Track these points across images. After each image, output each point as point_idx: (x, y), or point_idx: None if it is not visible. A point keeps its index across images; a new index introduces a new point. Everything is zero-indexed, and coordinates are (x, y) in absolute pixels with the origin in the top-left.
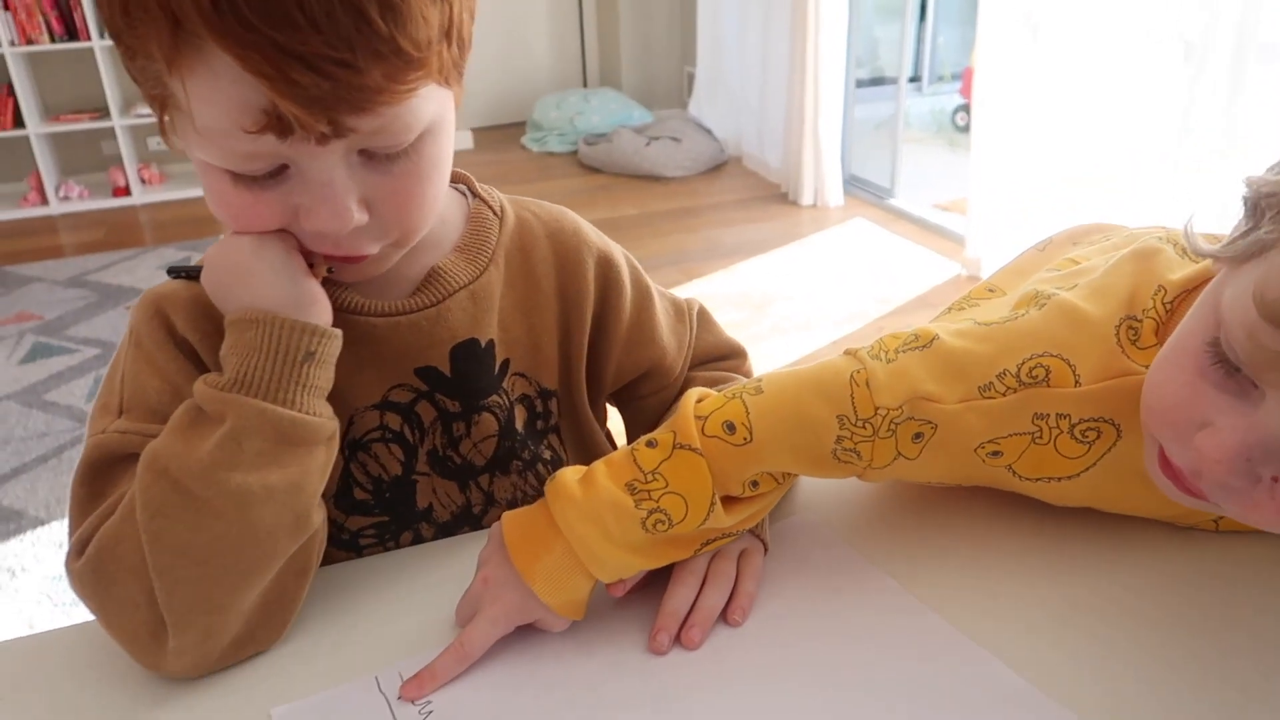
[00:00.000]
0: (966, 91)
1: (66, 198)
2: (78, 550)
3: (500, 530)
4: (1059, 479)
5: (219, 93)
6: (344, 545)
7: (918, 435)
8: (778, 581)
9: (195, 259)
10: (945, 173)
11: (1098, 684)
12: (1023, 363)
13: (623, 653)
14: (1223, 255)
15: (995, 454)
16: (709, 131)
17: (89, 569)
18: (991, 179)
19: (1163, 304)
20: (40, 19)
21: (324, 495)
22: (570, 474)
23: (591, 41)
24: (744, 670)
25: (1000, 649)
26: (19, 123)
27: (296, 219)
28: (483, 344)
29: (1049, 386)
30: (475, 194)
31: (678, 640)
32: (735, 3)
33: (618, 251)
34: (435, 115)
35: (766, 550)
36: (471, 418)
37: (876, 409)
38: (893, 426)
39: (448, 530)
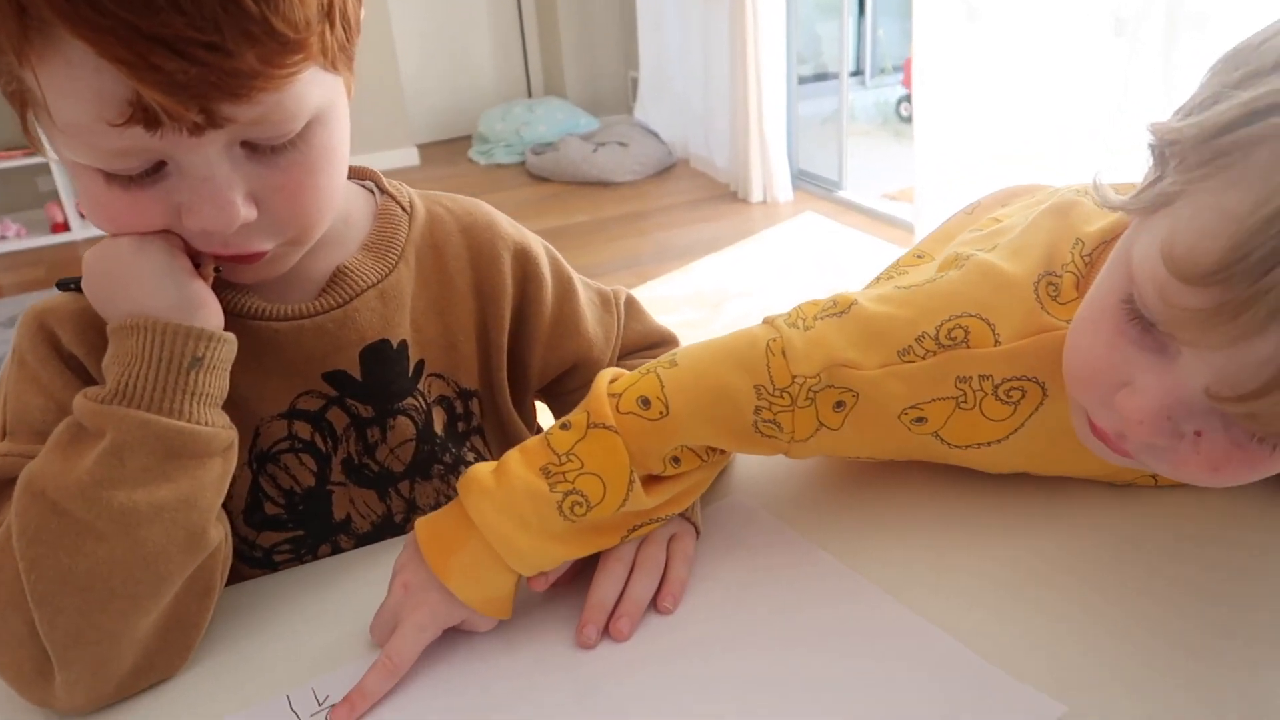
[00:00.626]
0: (908, 82)
1: (3, 237)
2: None
3: (412, 535)
4: (988, 444)
5: (77, 84)
6: (257, 564)
7: (839, 404)
8: (711, 565)
9: None
10: (892, 163)
11: (1041, 649)
12: (941, 324)
13: (550, 648)
14: (1131, 208)
15: (920, 420)
16: (656, 135)
17: None
18: (937, 166)
19: (1081, 257)
20: None
21: (232, 511)
22: (483, 467)
23: (534, 51)
24: (677, 659)
25: (944, 620)
26: None
27: (179, 219)
28: (394, 345)
29: (969, 347)
30: (383, 190)
31: (606, 632)
32: (675, 6)
33: (536, 243)
34: (322, 102)
35: (698, 534)
36: (386, 422)
37: (794, 378)
38: (811, 395)
39: (368, 541)
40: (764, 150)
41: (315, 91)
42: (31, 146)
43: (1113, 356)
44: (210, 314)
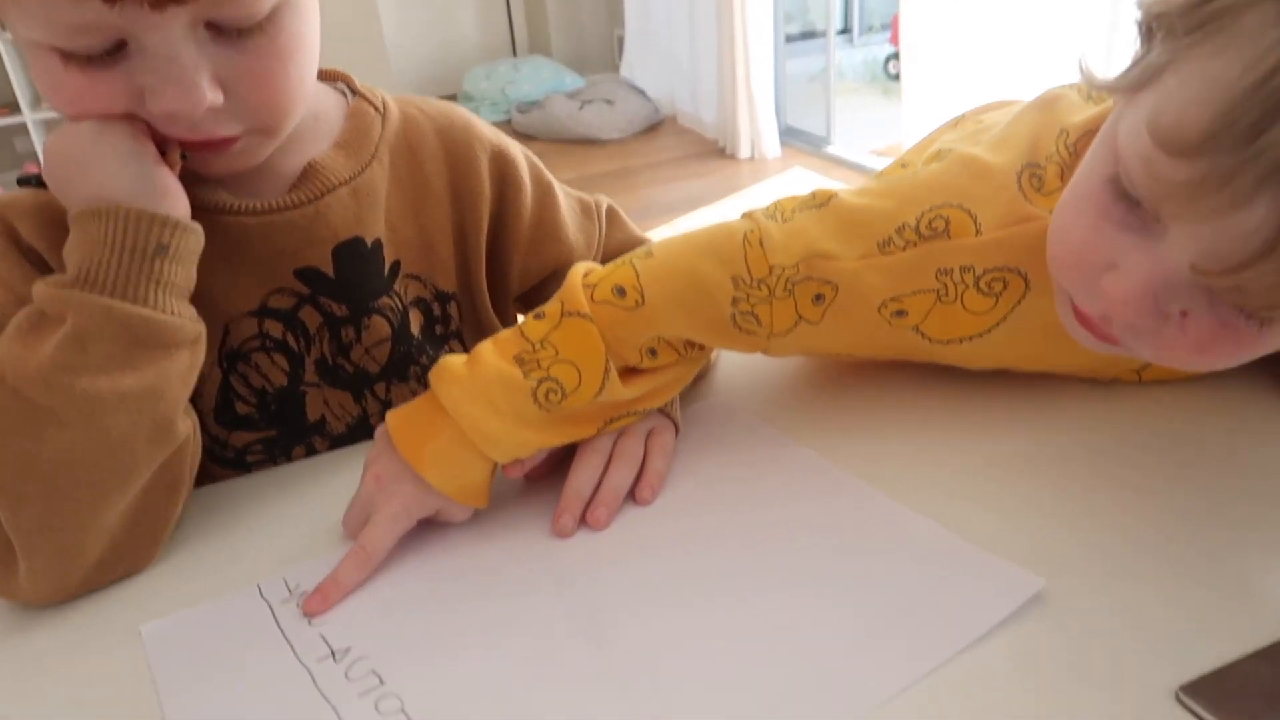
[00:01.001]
0: (896, 40)
1: None
2: None
3: (385, 427)
4: (970, 338)
5: None
6: (230, 464)
7: (818, 297)
8: (690, 460)
9: None
10: (880, 120)
11: (1021, 534)
12: (922, 215)
13: (526, 538)
14: (1118, 85)
15: (900, 314)
16: (642, 92)
17: None
18: (925, 121)
19: (1066, 147)
20: None
21: (202, 410)
22: (455, 358)
23: (518, 9)
24: (655, 549)
25: (924, 510)
26: None
27: (142, 103)
28: (368, 243)
29: (949, 238)
30: (355, 91)
31: (583, 522)
32: None
33: (514, 147)
34: None
35: (678, 431)
36: (361, 321)
37: (771, 268)
38: (790, 287)
39: (344, 444)
40: (751, 106)
41: None
42: None
43: (1097, 238)
44: (176, 202)
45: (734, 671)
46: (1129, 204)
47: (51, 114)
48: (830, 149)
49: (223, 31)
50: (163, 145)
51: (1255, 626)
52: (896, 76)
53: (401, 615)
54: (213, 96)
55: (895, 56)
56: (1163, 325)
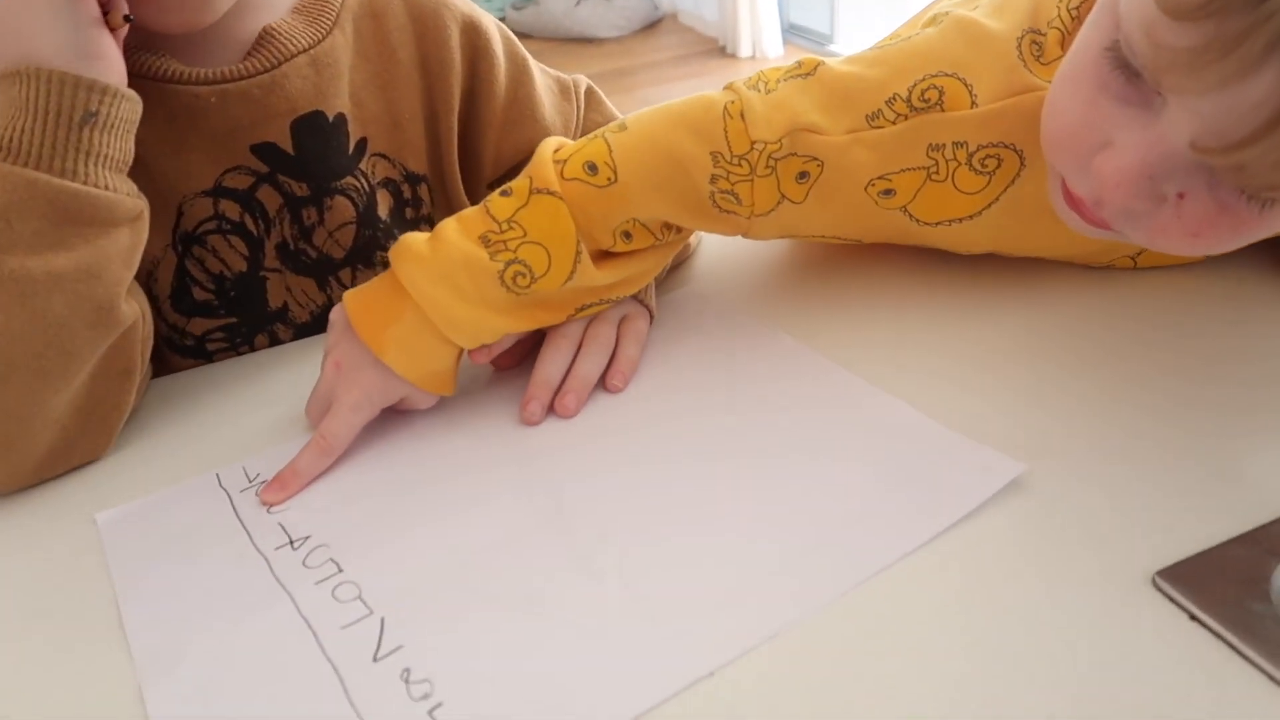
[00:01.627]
0: None
1: None
2: None
3: (342, 310)
4: (960, 220)
5: None
6: (189, 352)
7: (803, 175)
8: (664, 347)
9: None
10: (888, 14)
11: (1005, 419)
12: (915, 85)
13: (493, 425)
14: None
15: (888, 193)
16: None
17: None
18: None
19: (1069, 11)
20: None
21: (158, 296)
22: (417, 236)
23: None
24: (625, 435)
25: (905, 395)
26: None
27: None
28: (330, 118)
29: (943, 110)
30: None
31: (551, 410)
32: None
33: (487, 19)
34: None
35: (653, 318)
36: (324, 202)
37: (753, 143)
38: (772, 163)
39: (309, 332)
40: (753, 3)
41: None
42: None
43: (1093, 114)
44: (109, 66)
45: (703, 551)
46: (1128, 75)
47: None
48: (834, 47)
49: None
50: (106, 5)
51: (1235, 512)
52: None
53: (362, 503)
54: None
55: None
56: (1158, 208)
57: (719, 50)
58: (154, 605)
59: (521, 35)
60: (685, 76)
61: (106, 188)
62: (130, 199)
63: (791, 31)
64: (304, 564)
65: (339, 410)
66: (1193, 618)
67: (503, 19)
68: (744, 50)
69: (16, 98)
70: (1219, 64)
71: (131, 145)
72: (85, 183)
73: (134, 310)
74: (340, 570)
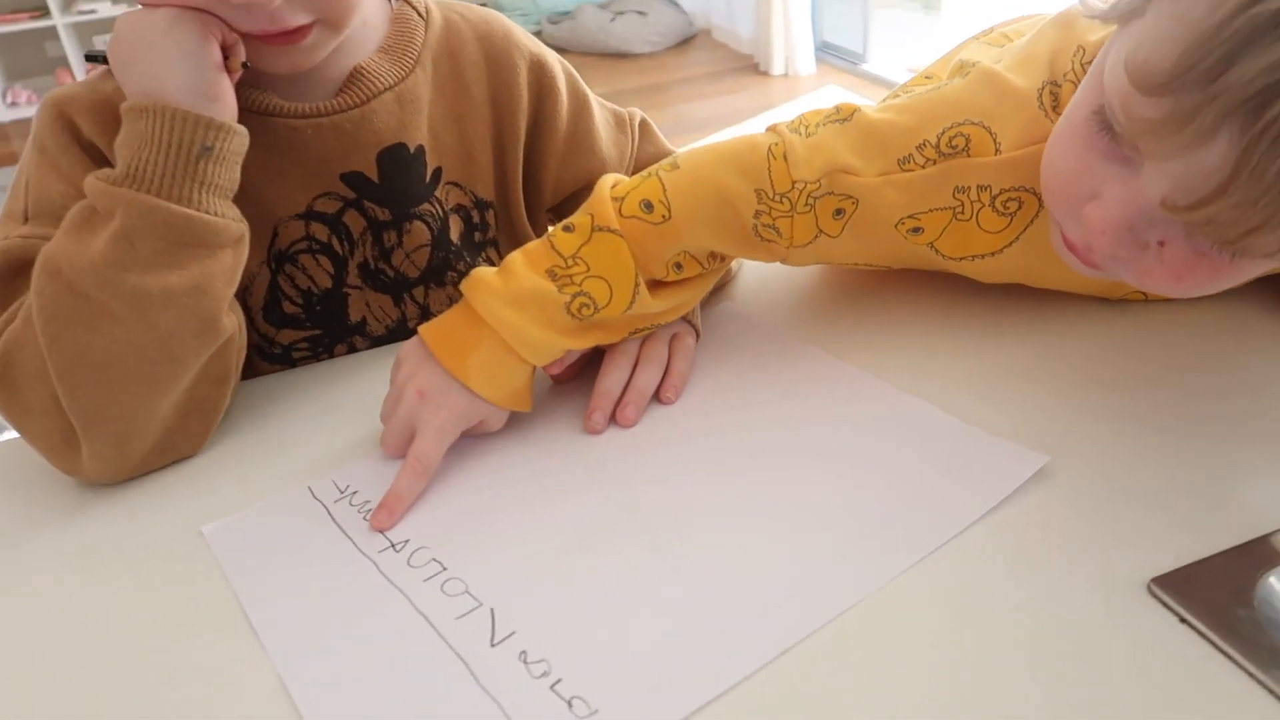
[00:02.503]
0: None
1: (15, 104)
2: None
3: (418, 344)
4: (983, 256)
5: None
6: (276, 359)
7: (839, 211)
8: (709, 363)
9: None
10: (920, 36)
11: (1024, 426)
12: (943, 132)
13: (561, 436)
14: (1109, 16)
15: (916, 230)
16: (676, 4)
17: None
18: (964, 37)
19: (1081, 65)
20: None
21: (251, 308)
22: (486, 270)
23: None
24: (679, 441)
25: (930, 400)
26: None
27: None
28: (411, 149)
29: (969, 156)
30: None
31: (613, 419)
32: None
33: (553, 58)
34: None
35: (699, 336)
36: (403, 226)
37: (794, 183)
38: (811, 201)
39: (382, 344)
40: (787, 21)
41: None
42: None
43: (1082, 169)
44: (224, 106)
45: (765, 545)
46: (1112, 136)
47: (80, 18)
48: (866, 66)
49: None
50: (228, 51)
51: (1226, 529)
52: None
53: (452, 508)
54: None
55: None
56: (1141, 254)
57: (752, 67)
58: (277, 604)
59: (556, 49)
60: (719, 93)
61: (216, 214)
62: (235, 224)
63: (824, 50)
64: (409, 564)
65: (427, 434)
66: (1182, 620)
67: (538, 33)
68: (777, 68)
69: (143, 131)
70: (1179, 134)
71: (238, 174)
72: (199, 209)
73: (233, 323)
74: (444, 569)
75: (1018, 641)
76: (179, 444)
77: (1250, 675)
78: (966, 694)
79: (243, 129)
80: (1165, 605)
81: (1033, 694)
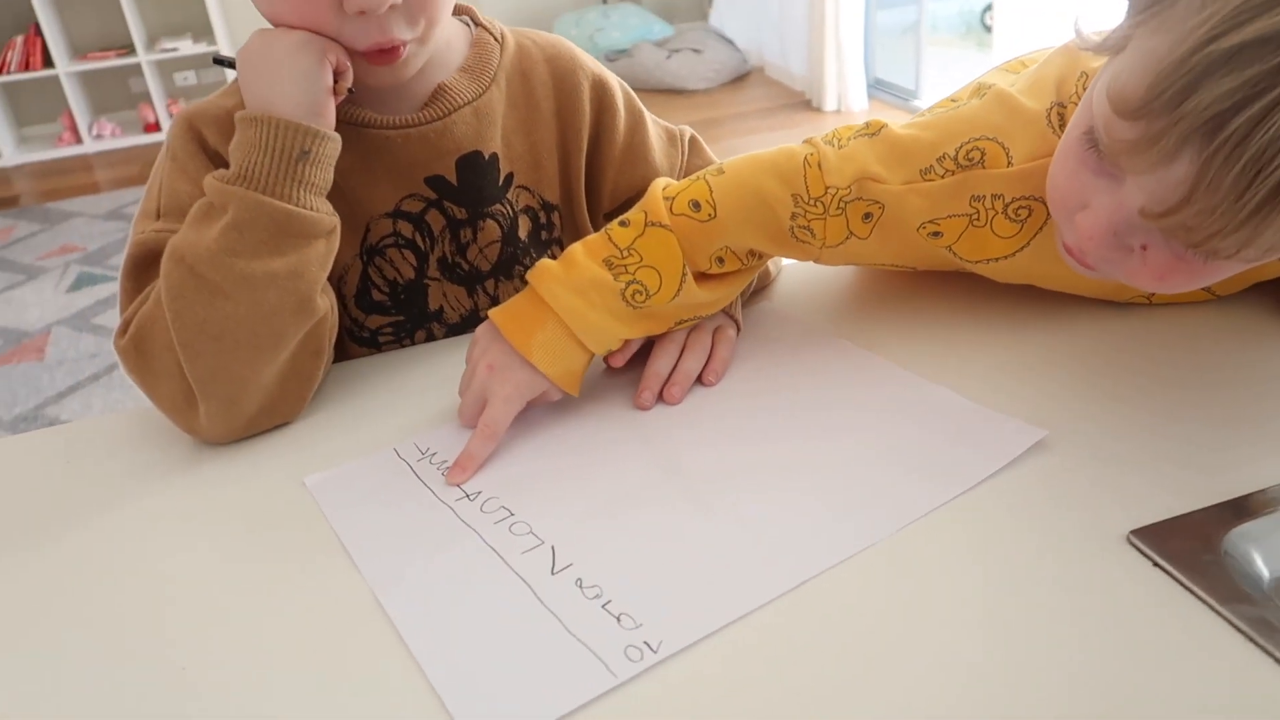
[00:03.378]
0: None
1: (100, 136)
2: (122, 330)
3: (489, 326)
4: (997, 259)
5: None
6: (364, 342)
7: (867, 215)
8: (750, 352)
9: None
10: (971, 72)
11: (1031, 407)
12: (961, 146)
13: (612, 409)
14: (1100, 48)
15: (936, 234)
16: (731, 42)
17: (131, 345)
18: None
19: (1083, 88)
20: None
21: (345, 296)
22: (549, 261)
23: None
24: (718, 418)
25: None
26: (48, 63)
27: (341, 9)
28: (486, 156)
29: (984, 168)
30: (478, 23)
31: (660, 398)
32: None
33: (612, 79)
34: None
35: (739, 329)
36: (477, 224)
37: (827, 188)
38: (842, 205)
39: (457, 331)
40: (840, 58)
41: None
42: None
43: (1074, 183)
44: (325, 120)
45: (784, 494)
46: (1099, 153)
47: (162, 55)
48: (917, 102)
49: None
50: (339, 75)
51: (1204, 493)
52: (993, 28)
53: (520, 467)
54: None
55: (991, 8)
56: (1127, 257)
57: (805, 103)
58: (370, 540)
59: None
60: (771, 128)
61: (311, 209)
62: (327, 217)
63: (877, 87)
64: (481, 510)
65: (495, 402)
66: (1155, 564)
67: None
68: (829, 104)
69: (253, 137)
70: (1149, 152)
71: (331, 175)
72: (297, 205)
73: (325, 304)
74: (512, 514)
75: (1015, 581)
76: (280, 408)
77: (1212, 609)
78: (972, 621)
79: (336, 136)
80: (1141, 552)
81: (1025, 624)
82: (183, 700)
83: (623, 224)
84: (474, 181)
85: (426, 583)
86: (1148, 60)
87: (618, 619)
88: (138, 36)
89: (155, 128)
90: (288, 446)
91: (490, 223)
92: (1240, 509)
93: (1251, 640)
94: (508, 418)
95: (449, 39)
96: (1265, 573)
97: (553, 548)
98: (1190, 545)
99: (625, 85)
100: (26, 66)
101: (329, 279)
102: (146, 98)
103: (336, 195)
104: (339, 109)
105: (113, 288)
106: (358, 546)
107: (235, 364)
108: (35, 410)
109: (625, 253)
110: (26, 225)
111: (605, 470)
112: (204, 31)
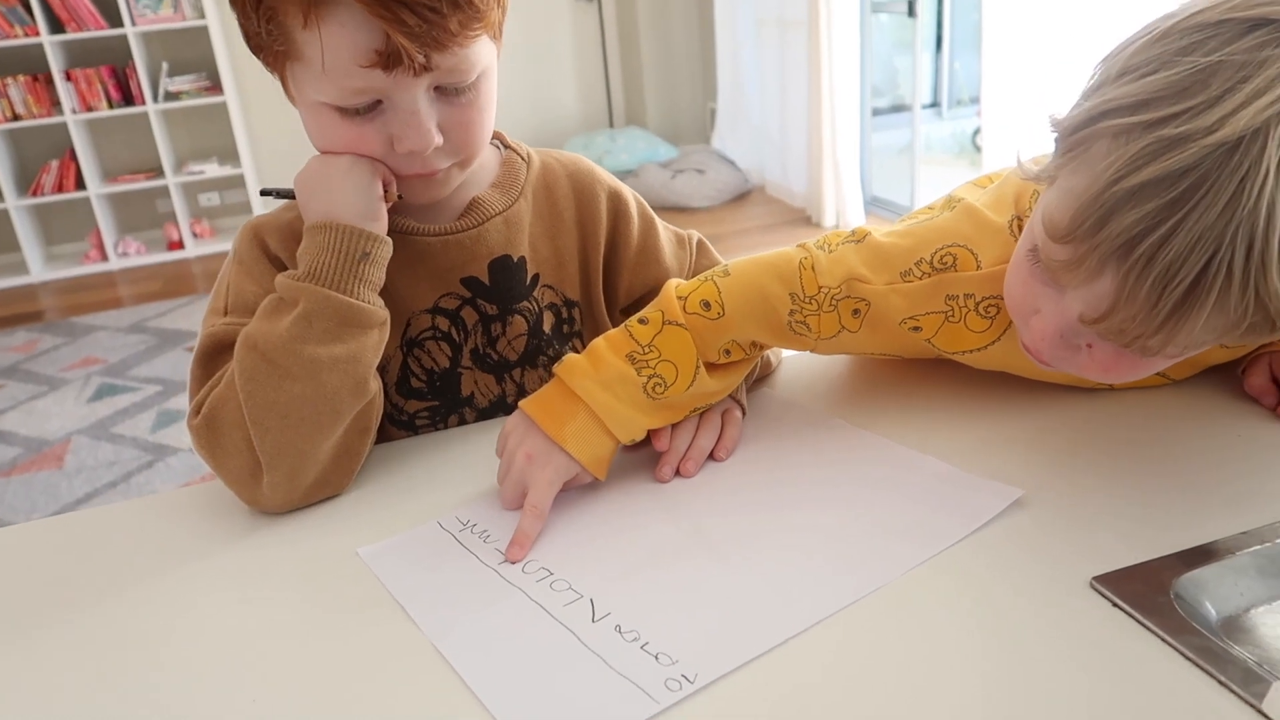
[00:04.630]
0: None
1: (125, 254)
2: (195, 412)
3: (522, 417)
4: (971, 351)
5: (345, 37)
6: (403, 425)
7: (856, 311)
8: (755, 431)
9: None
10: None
11: (1003, 477)
12: (935, 252)
13: (635, 484)
14: (1037, 178)
15: (916, 329)
16: (732, 163)
17: (203, 424)
18: None
19: (1034, 203)
20: (99, 87)
21: (387, 383)
22: (576, 356)
23: (616, 83)
24: (731, 489)
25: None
26: (80, 185)
27: (390, 147)
28: (515, 259)
29: (956, 271)
30: (507, 145)
31: (677, 472)
32: (752, 39)
33: (627, 190)
34: (488, 62)
35: (744, 412)
36: (507, 319)
37: (820, 288)
38: (834, 302)
39: (486, 415)
40: (838, 176)
41: (485, 52)
42: (288, 96)
43: (1025, 291)
44: (380, 225)
45: (789, 551)
46: (1044, 268)
47: (188, 178)
48: None
49: (444, 93)
50: (386, 186)
51: (1151, 545)
52: (982, 149)
53: (556, 535)
54: (438, 139)
55: (981, 130)
56: (1075, 354)
57: (805, 219)
58: (425, 599)
59: None
60: (773, 243)
61: (370, 303)
62: (381, 310)
63: (874, 203)
64: (523, 571)
65: (539, 486)
66: (1114, 605)
67: None
68: (828, 220)
69: (321, 241)
70: (1078, 271)
71: (384, 274)
72: (358, 299)
73: (376, 386)
74: (551, 574)
75: (996, 619)
76: (332, 480)
77: (1165, 641)
78: (957, 654)
79: (389, 239)
80: (1103, 595)
81: (1005, 656)
82: None
83: (642, 321)
84: (504, 281)
85: (480, 632)
86: (1070, 196)
87: (655, 657)
88: (167, 160)
89: (179, 245)
90: (338, 520)
91: (518, 318)
92: (1189, 559)
93: (1199, 667)
94: (549, 498)
95: (482, 161)
96: (1213, 613)
97: (591, 600)
98: (1145, 589)
99: (638, 195)
100: (60, 189)
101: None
102: (172, 217)
103: (383, 293)
104: (391, 221)
105: (132, 398)
106: (414, 604)
107: (299, 439)
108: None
109: (646, 349)
110: (51, 339)
111: (633, 534)
112: (229, 155)
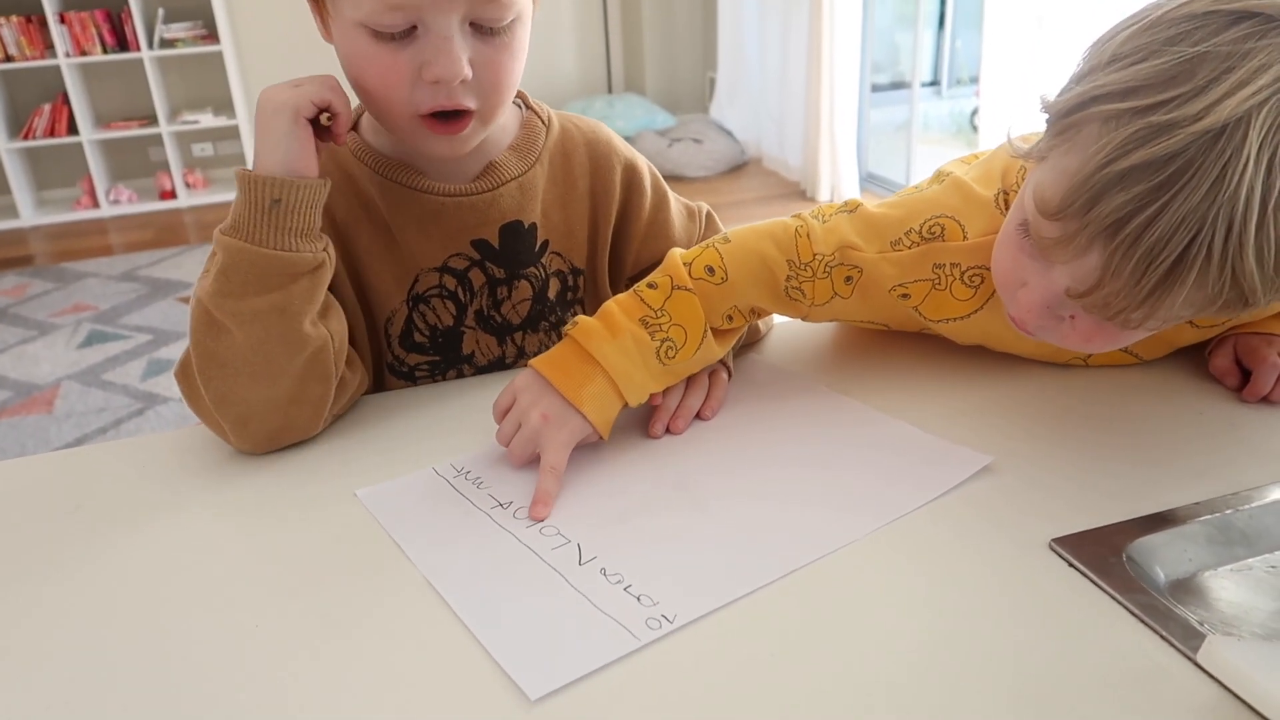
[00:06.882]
0: None
1: (116, 201)
2: (178, 364)
3: (535, 376)
4: (955, 319)
5: None
6: (403, 376)
7: (848, 278)
8: (740, 393)
9: None
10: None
11: (976, 441)
12: (924, 222)
13: (629, 439)
14: (1030, 155)
15: (905, 296)
16: (730, 133)
17: (180, 371)
18: None
19: (1022, 178)
20: (93, 31)
21: (390, 336)
22: (590, 320)
23: (616, 49)
24: (717, 446)
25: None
26: (73, 130)
27: (420, 76)
28: (526, 225)
29: (944, 241)
30: (528, 106)
31: (668, 429)
32: (755, 11)
33: (643, 162)
34: (524, 7)
35: (730, 375)
36: (513, 283)
37: (815, 255)
38: (828, 269)
39: (484, 372)
40: (834, 151)
41: None
42: (323, 33)
43: (1013, 265)
44: (300, 171)
45: (768, 504)
46: (1032, 243)
47: (182, 127)
48: None
49: (479, 30)
50: (336, 132)
51: (1107, 512)
52: (980, 129)
53: None
54: (466, 70)
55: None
56: (1059, 325)
57: (800, 193)
58: (420, 539)
59: None
60: (767, 215)
61: (291, 250)
62: (309, 255)
63: (869, 179)
64: (514, 517)
65: (555, 447)
66: (1070, 565)
67: None
68: (823, 194)
69: (239, 193)
70: (1067, 247)
71: (314, 218)
72: (273, 248)
73: (321, 334)
74: (541, 520)
75: (959, 576)
76: (297, 425)
77: (1115, 600)
78: (923, 605)
79: (314, 181)
80: (1061, 556)
81: (967, 609)
82: (254, 653)
83: (651, 286)
84: (514, 246)
85: (473, 570)
86: (1061, 175)
87: (638, 598)
88: (160, 108)
89: (171, 195)
90: (338, 462)
91: (524, 283)
92: (1144, 525)
93: (1144, 623)
94: (565, 459)
95: (502, 121)
96: (1161, 575)
97: (579, 545)
98: (1100, 551)
99: (653, 168)
100: (51, 133)
101: (377, 319)
102: (164, 166)
103: (393, 247)
104: (407, 178)
105: (123, 345)
106: (410, 544)
107: (239, 388)
108: None
109: (658, 313)
110: (41, 284)
111: (621, 486)
112: (224, 106)
